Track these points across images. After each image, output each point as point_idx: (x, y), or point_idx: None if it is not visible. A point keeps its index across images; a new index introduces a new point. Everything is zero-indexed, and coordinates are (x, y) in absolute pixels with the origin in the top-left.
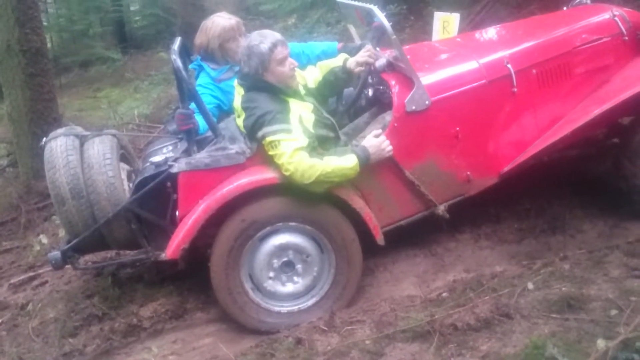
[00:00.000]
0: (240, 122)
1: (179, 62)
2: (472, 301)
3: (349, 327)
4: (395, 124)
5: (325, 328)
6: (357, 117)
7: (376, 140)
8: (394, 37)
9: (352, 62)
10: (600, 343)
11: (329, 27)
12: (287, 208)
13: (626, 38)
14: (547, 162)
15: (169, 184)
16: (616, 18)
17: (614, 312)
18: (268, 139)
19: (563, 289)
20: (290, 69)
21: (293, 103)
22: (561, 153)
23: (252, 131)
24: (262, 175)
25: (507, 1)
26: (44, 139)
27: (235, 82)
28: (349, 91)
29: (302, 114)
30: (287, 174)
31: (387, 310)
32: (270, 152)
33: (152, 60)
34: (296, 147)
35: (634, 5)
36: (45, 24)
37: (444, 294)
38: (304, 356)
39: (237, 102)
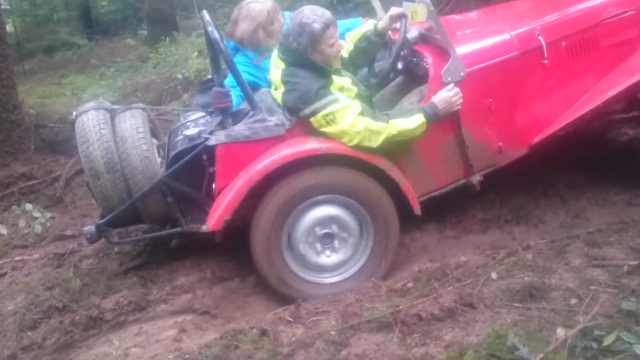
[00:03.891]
0: (277, 94)
1: (216, 34)
2: (436, 291)
3: (314, 318)
4: (432, 96)
5: (291, 319)
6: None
7: (447, 94)
8: (432, 8)
9: (385, 21)
10: (560, 332)
11: None
12: (329, 180)
13: None
14: (574, 134)
15: (204, 156)
16: None
17: (574, 301)
18: (321, 114)
19: (525, 278)
20: (337, 50)
21: (334, 77)
22: (587, 125)
23: (295, 107)
24: (303, 147)
25: None
26: (74, 112)
27: (274, 54)
28: (380, 65)
29: (344, 85)
30: (352, 142)
31: (352, 301)
32: (325, 128)
33: (119, 47)
34: (357, 113)
35: None
36: (7, 7)
37: (409, 284)
38: (269, 347)
39: (276, 75)
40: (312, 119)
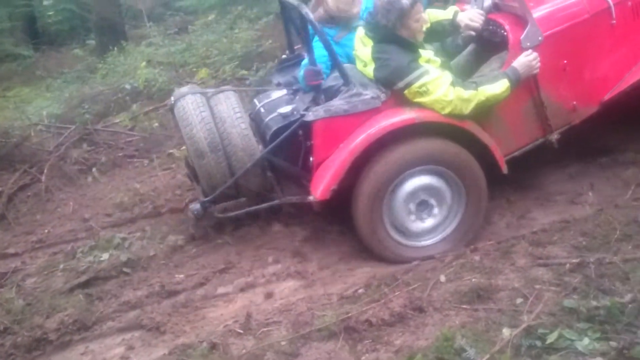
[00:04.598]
0: (368, 70)
1: (311, 15)
2: (386, 296)
3: (265, 329)
4: (513, 61)
5: (241, 331)
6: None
7: (526, 58)
8: None
9: (462, 20)
10: (506, 331)
11: (251, 23)
12: (427, 152)
13: None
14: None
15: (300, 132)
16: None
17: (519, 300)
18: (414, 86)
19: (473, 280)
20: (422, 25)
21: (420, 50)
22: None
23: (389, 81)
24: (402, 117)
25: None
26: (171, 98)
27: (360, 32)
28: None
29: (430, 58)
30: (445, 110)
31: (303, 310)
32: (419, 98)
33: (66, 58)
34: (449, 83)
35: None
36: None
37: (360, 290)
38: None
39: (364, 52)
40: (406, 91)
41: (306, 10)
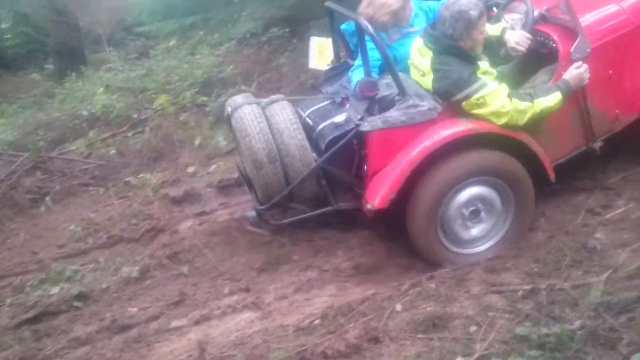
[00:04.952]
0: (426, 80)
1: (370, 28)
2: (342, 327)
3: None
4: (562, 72)
5: None
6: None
7: (577, 71)
8: None
9: (509, 41)
10: None
11: (212, 49)
12: (481, 163)
13: None
14: None
15: (355, 141)
16: None
17: (473, 328)
18: (473, 98)
19: (428, 308)
20: (484, 38)
21: (478, 62)
22: None
23: (448, 92)
24: (459, 128)
25: None
26: (228, 108)
27: (418, 43)
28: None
29: (487, 69)
30: (501, 121)
31: (259, 342)
32: (477, 110)
33: (24, 82)
34: (506, 95)
35: None
36: None
37: (316, 321)
38: None
39: (423, 62)
40: (464, 103)
41: (365, 22)
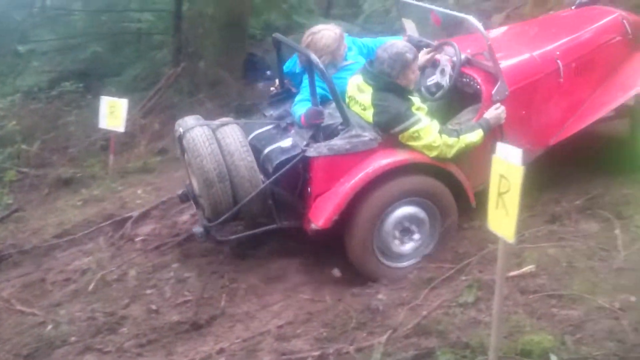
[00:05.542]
0: (366, 114)
1: (319, 62)
2: None
3: None
4: (484, 111)
5: None
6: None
7: (496, 111)
8: (489, 42)
9: (423, 59)
10: None
11: None
12: (415, 186)
13: (630, 37)
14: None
15: (300, 165)
16: (624, 20)
17: None
18: (409, 132)
19: None
20: (417, 76)
21: (412, 99)
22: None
23: (387, 125)
24: (397, 157)
25: (180, 89)
26: (180, 129)
27: (357, 79)
28: (430, 83)
29: (419, 105)
30: (432, 154)
31: None
32: (411, 142)
33: None
34: (437, 131)
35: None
36: None
37: None
38: None
39: (363, 98)
40: (400, 135)
41: (315, 57)
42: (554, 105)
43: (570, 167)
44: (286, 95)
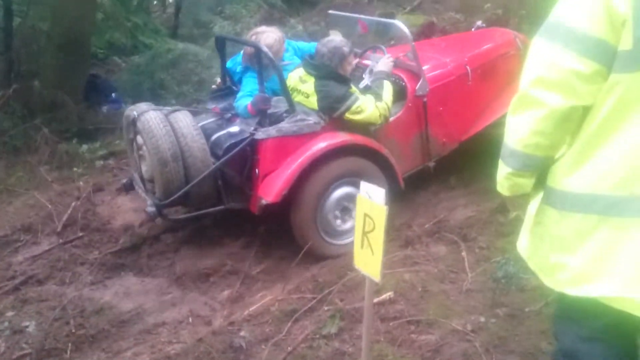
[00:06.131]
0: (310, 100)
1: (270, 53)
2: None
3: None
4: (409, 104)
5: None
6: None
7: (385, 60)
8: (413, 44)
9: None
10: None
11: None
12: (353, 166)
13: (522, 52)
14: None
15: (248, 148)
16: (517, 38)
17: None
18: (353, 108)
19: None
20: (352, 67)
21: (349, 83)
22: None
23: (332, 107)
24: (339, 139)
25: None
26: (134, 112)
27: (298, 72)
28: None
29: (355, 89)
30: (376, 120)
31: None
32: (355, 117)
33: None
34: (373, 103)
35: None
36: None
37: None
38: None
39: (306, 87)
40: (347, 114)
41: (263, 46)
42: (464, 106)
43: (418, 191)
44: (228, 91)
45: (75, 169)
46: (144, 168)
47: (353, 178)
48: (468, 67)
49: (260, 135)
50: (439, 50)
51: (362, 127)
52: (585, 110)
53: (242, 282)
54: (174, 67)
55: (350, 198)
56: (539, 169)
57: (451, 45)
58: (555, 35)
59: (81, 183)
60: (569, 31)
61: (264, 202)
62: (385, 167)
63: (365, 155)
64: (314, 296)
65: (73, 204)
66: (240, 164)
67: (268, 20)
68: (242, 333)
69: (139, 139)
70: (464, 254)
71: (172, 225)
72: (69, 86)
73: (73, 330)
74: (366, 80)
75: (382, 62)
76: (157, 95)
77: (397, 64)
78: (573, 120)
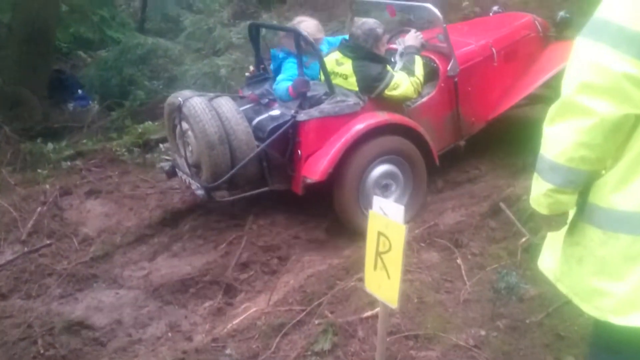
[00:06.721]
0: (349, 81)
1: (310, 38)
2: None
3: None
4: (442, 84)
5: None
6: None
7: (414, 35)
8: (445, 26)
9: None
10: None
11: None
12: (392, 144)
13: (541, 34)
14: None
15: (290, 130)
16: (535, 21)
17: None
18: (391, 84)
19: None
20: (385, 47)
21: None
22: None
23: (371, 85)
24: (379, 118)
25: None
26: (179, 98)
27: (335, 56)
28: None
29: (389, 67)
30: (411, 94)
31: None
32: (393, 92)
33: None
34: (407, 78)
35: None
36: None
37: None
38: None
39: (344, 68)
40: (385, 90)
41: (305, 33)
42: (490, 86)
43: None
44: (262, 77)
45: (40, 170)
46: (189, 153)
47: (391, 156)
48: (493, 49)
49: (302, 117)
50: (463, 34)
51: (398, 107)
52: (637, 119)
53: (224, 293)
54: (144, 62)
55: (389, 175)
56: (583, 185)
57: (474, 28)
58: (602, 34)
59: (47, 186)
60: (618, 30)
61: (309, 181)
62: (420, 145)
63: (402, 133)
64: (303, 308)
65: (39, 209)
66: (283, 146)
67: (240, 15)
68: (227, 350)
69: (184, 124)
70: (459, 261)
71: (145, 232)
72: (32, 82)
73: (41, 351)
74: (399, 63)
75: (411, 36)
76: (126, 91)
77: (427, 47)
78: (624, 131)
